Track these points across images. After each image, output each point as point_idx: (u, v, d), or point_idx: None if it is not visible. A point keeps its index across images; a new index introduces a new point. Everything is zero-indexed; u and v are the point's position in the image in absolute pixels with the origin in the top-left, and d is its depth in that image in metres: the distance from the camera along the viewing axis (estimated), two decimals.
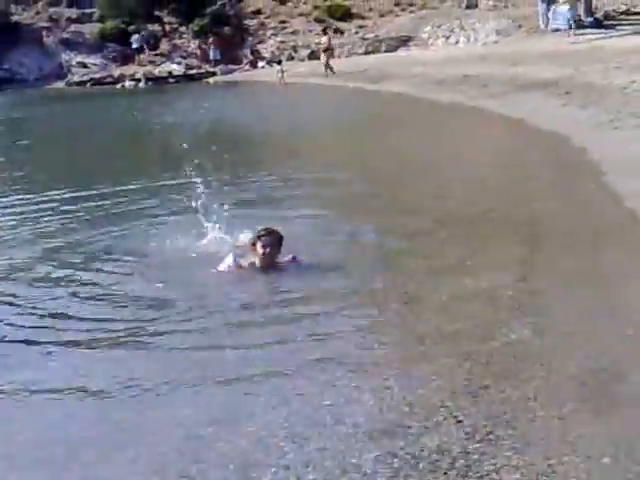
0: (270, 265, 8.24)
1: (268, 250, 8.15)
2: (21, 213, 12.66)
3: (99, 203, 13.07)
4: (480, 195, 11.29)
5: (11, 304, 7.90)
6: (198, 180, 9.94)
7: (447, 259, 8.43)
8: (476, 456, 4.59)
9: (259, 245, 8.17)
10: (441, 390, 5.45)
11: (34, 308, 7.70)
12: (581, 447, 4.63)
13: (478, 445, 4.71)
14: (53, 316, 7.46)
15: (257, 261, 8.25)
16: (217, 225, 9.27)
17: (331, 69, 42.41)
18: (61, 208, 12.83)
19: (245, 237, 8.99)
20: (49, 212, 12.59)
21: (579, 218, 9.70)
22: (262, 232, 8.26)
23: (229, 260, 8.30)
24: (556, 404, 5.17)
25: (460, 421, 5.00)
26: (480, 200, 10.95)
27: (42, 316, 7.49)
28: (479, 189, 11.72)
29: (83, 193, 14.11)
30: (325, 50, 44.29)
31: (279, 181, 13.99)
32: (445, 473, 4.44)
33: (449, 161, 14.59)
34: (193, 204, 9.54)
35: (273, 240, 8.20)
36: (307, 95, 35.77)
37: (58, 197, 13.84)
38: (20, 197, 14.26)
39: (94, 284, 8.34)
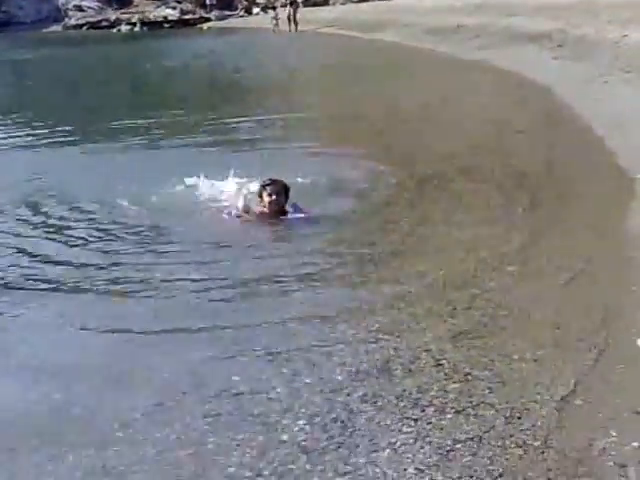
0: (278, 213, 8.40)
1: (274, 198, 8.33)
2: (25, 147, 12.90)
3: (94, 141, 13.31)
4: (467, 148, 11.46)
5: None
6: (194, 121, 10.02)
7: (433, 210, 8.68)
8: (454, 395, 4.87)
9: (265, 194, 8.37)
10: (424, 334, 5.72)
11: (29, 249, 7.96)
12: (555, 388, 4.88)
13: (456, 385, 4.99)
14: (47, 259, 7.69)
15: (265, 210, 8.43)
16: (211, 173, 9.46)
17: (295, 24, 42.12)
18: (59, 147, 13.14)
19: (240, 185, 9.22)
20: (46, 150, 12.88)
21: (564, 172, 9.90)
22: (267, 181, 8.45)
23: (240, 205, 8.49)
24: (532, 348, 5.43)
25: (440, 364, 5.28)
26: (467, 153, 11.14)
27: (36, 259, 7.71)
28: (466, 142, 11.89)
29: (82, 130, 14.39)
30: (291, 3, 43.96)
31: (271, 122, 14.20)
32: (423, 410, 4.72)
33: (438, 113, 14.75)
34: (190, 148, 9.69)
35: (279, 189, 8.38)
36: (300, 42, 35.61)
37: (55, 134, 14.12)
38: (24, 133, 14.52)
39: (93, 228, 8.56)
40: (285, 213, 8.44)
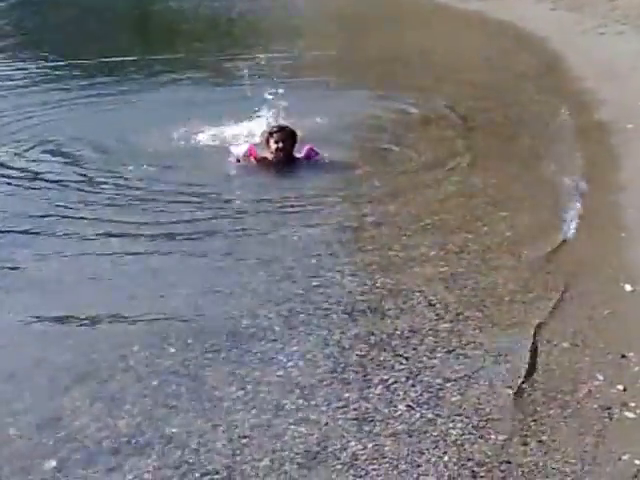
0: (284, 159, 8.20)
1: (281, 145, 8.12)
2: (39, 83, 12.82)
3: (99, 77, 13.37)
4: (463, 95, 11.29)
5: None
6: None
7: (432, 157, 8.53)
8: (445, 334, 4.83)
9: (272, 141, 8.16)
10: (417, 276, 5.68)
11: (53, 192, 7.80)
12: (542, 331, 4.85)
13: (447, 325, 4.95)
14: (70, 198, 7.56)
15: (270, 156, 8.23)
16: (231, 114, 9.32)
17: None
18: (67, 85, 13.16)
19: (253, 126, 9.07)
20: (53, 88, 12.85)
21: (557, 123, 9.78)
22: (274, 128, 8.25)
23: (244, 147, 8.29)
24: (522, 291, 5.40)
25: (433, 304, 5.23)
26: (463, 100, 10.98)
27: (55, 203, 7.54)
28: (463, 90, 11.71)
29: (88, 67, 14.36)
30: None
31: (283, 63, 14.10)
32: (415, 349, 4.68)
33: (435, 61, 14.53)
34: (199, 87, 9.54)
35: (285, 136, 8.17)
36: None
37: (64, 71, 14.10)
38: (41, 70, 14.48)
39: (104, 169, 8.36)
40: (293, 159, 8.27)
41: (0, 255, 6.21)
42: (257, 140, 8.63)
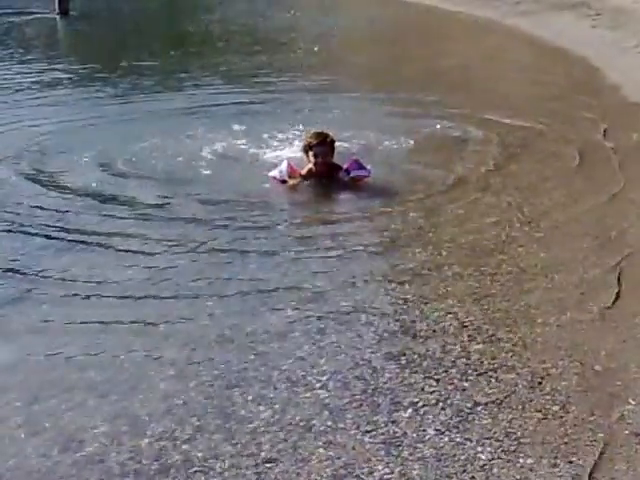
0: (326, 169, 8.07)
1: (320, 159, 8.00)
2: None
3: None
4: (500, 113, 11.15)
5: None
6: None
7: (467, 175, 8.46)
8: (476, 356, 4.78)
9: (311, 154, 8.03)
10: (450, 296, 5.63)
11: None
12: (576, 354, 4.79)
13: (479, 346, 4.90)
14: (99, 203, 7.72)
15: (312, 167, 8.09)
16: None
17: None
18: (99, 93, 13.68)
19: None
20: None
21: (594, 141, 9.69)
22: (313, 140, 8.07)
23: (283, 167, 8.11)
24: (556, 313, 5.34)
25: (465, 325, 5.19)
26: (500, 118, 10.87)
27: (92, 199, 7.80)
28: (500, 107, 11.59)
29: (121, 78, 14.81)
30: None
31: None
32: (446, 371, 4.63)
33: (474, 78, 14.45)
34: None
35: (325, 149, 8.02)
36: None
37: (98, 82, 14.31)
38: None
39: (140, 179, 8.47)
40: (335, 168, 8.11)
41: None
42: (293, 154, 8.57)
